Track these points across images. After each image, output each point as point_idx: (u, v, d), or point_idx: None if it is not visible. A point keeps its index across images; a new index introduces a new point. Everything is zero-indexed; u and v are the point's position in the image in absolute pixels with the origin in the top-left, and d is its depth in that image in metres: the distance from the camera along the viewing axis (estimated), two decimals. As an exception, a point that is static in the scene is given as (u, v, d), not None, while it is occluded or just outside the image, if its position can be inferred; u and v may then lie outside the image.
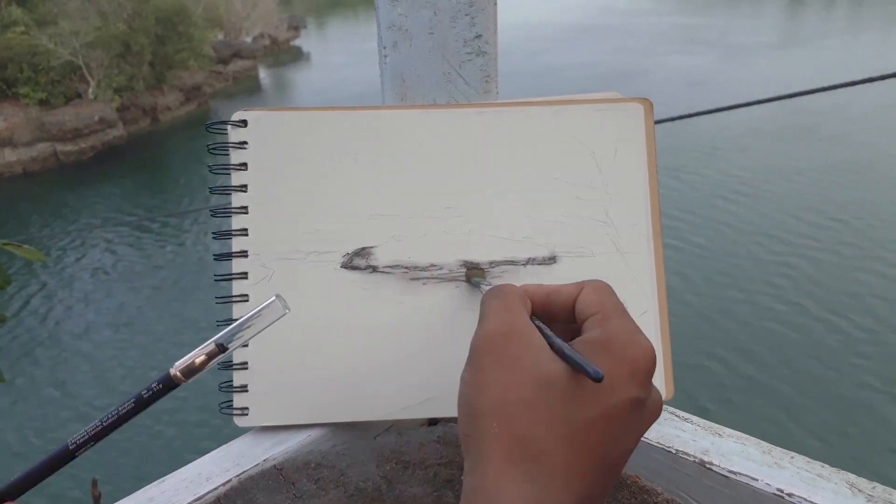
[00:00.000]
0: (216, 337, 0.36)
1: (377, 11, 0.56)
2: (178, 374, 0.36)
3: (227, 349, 0.36)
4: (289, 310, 0.36)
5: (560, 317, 0.39)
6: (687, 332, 7.08)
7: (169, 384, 0.36)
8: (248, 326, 0.36)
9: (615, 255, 0.53)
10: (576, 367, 0.33)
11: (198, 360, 0.36)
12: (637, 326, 0.36)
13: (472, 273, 0.52)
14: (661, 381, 0.53)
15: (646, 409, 0.35)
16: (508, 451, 0.33)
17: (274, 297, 0.36)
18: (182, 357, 0.36)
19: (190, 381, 0.37)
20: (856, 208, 9.67)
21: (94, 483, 0.97)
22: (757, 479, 0.45)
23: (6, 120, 14.82)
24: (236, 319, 0.50)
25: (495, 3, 0.56)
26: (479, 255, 0.52)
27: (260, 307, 0.37)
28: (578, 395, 0.33)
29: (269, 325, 0.37)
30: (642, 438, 0.49)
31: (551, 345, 0.35)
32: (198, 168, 13.34)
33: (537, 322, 0.38)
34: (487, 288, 0.46)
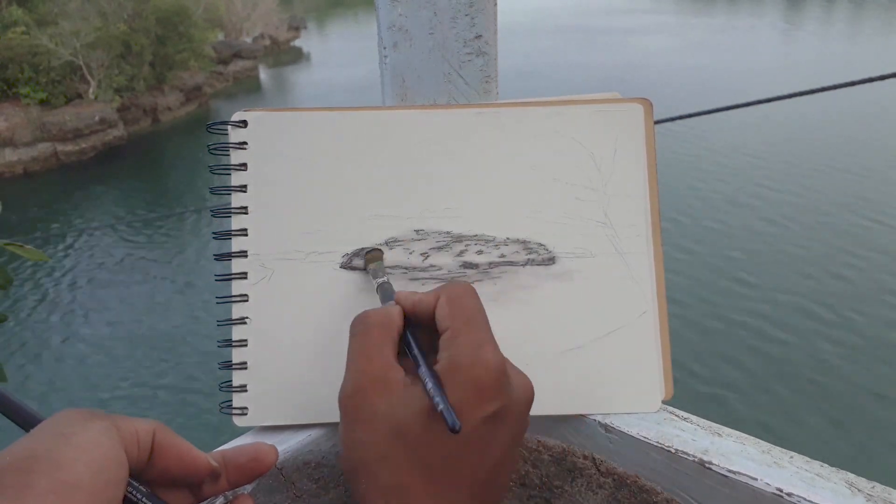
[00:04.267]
0: None
1: (377, 12, 0.56)
2: None
3: None
4: None
5: (429, 325, 0.40)
6: (688, 332, 7.08)
7: None
8: None
9: (614, 255, 0.53)
10: (440, 412, 0.34)
11: None
12: (484, 336, 0.37)
13: (370, 258, 0.51)
14: (660, 381, 0.53)
15: (508, 412, 0.36)
16: (380, 500, 0.35)
17: None
18: None
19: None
20: (863, 205, 9.68)
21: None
22: (756, 479, 0.45)
23: (7, 120, 14.82)
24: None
25: (495, 4, 0.56)
26: (478, 256, 0.52)
27: None
28: (430, 436, 0.35)
29: None
30: (641, 437, 0.49)
31: (424, 381, 0.36)
32: (198, 168, 13.34)
33: (413, 352, 0.38)
34: (382, 281, 0.47)
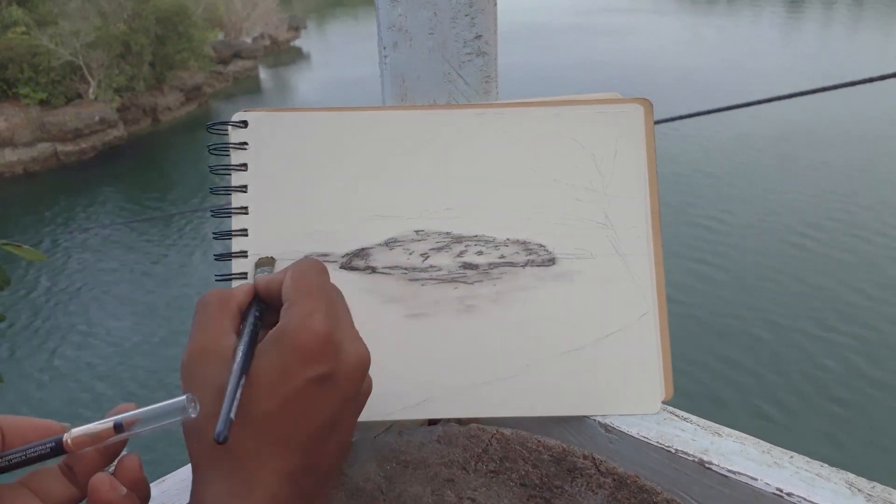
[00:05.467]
0: (116, 417, 0.36)
1: (377, 12, 0.56)
2: (69, 442, 0.35)
3: (122, 432, 0.36)
4: (194, 415, 0.35)
5: (280, 305, 0.42)
6: (688, 332, 7.08)
7: (58, 450, 0.35)
8: (150, 419, 0.35)
9: (614, 256, 0.53)
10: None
11: (91, 435, 0.35)
12: (315, 304, 0.39)
13: (260, 262, 0.51)
14: (660, 382, 0.53)
15: (337, 374, 0.38)
16: (205, 459, 0.38)
17: (184, 398, 0.35)
18: (80, 426, 0.36)
19: (79, 452, 0.36)
20: (860, 206, 9.68)
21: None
22: (756, 479, 0.45)
23: (7, 120, 14.82)
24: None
25: (495, 4, 0.56)
26: (478, 257, 0.52)
27: (167, 402, 0.36)
28: (254, 394, 0.37)
29: (170, 423, 0.36)
30: (641, 437, 0.49)
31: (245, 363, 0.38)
32: (198, 168, 13.33)
33: (249, 323, 0.40)
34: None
